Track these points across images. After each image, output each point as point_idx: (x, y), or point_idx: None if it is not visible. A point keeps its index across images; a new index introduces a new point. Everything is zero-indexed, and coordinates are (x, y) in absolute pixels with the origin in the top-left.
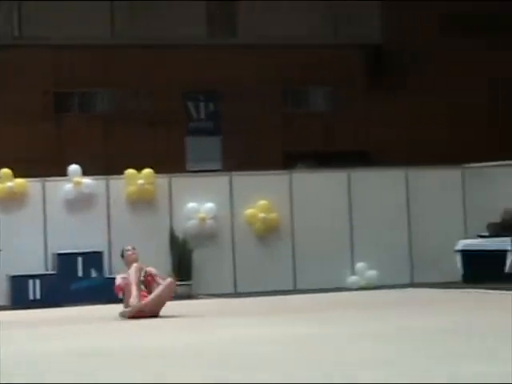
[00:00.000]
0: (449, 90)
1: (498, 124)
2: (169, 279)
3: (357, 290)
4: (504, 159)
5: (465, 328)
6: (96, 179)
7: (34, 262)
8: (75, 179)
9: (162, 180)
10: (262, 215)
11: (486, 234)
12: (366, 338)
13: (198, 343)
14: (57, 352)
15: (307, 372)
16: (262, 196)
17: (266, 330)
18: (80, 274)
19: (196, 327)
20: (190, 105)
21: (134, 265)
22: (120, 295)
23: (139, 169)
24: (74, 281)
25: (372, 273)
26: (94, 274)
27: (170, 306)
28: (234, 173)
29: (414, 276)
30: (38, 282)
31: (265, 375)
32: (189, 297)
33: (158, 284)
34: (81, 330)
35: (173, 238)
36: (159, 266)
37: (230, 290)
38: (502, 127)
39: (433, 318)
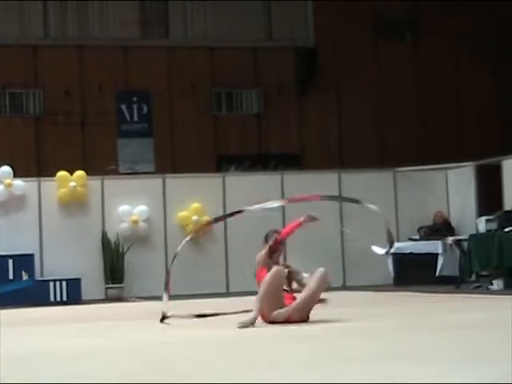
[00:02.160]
0: (381, 94)
1: (428, 128)
2: (320, 270)
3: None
4: (434, 163)
5: (385, 329)
6: (27, 181)
7: None
8: (6, 181)
9: (94, 182)
10: (194, 218)
11: (417, 237)
12: (291, 338)
13: (120, 345)
14: None
15: (224, 373)
16: (194, 198)
17: (190, 332)
18: (11, 276)
19: (121, 330)
20: (123, 106)
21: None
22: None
23: (71, 171)
24: (4, 283)
25: (304, 276)
26: (25, 276)
27: (100, 309)
28: (166, 175)
29: (346, 279)
30: None
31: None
32: (120, 299)
33: (301, 280)
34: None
35: (105, 241)
36: (91, 268)
37: (162, 292)
38: (431, 131)
39: (363, 319)
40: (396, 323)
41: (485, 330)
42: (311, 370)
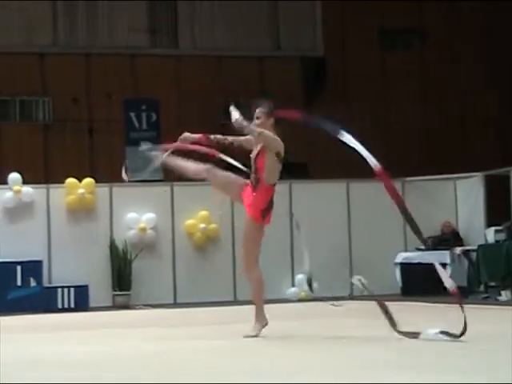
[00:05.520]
0: (388, 104)
1: (435, 138)
2: None
3: (296, 301)
4: (442, 173)
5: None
6: (36, 188)
7: None
8: (15, 187)
9: (103, 189)
10: (202, 226)
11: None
12: (296, 346)
13: (117, 353)
14: None
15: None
16: (202, 207)
17: (198, 340)
18: (19, 282)
19: (128, 337)
20: (132, 114)
21: None
22: None
23: (79, 178)
24: (13, 290)
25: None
26: (32, 283)
27: (107, 316)
28: (174, 183)
29: (353, 288)
30: None
31: None
32: (127, 307)
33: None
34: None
35: (113, 248)
36: (99, 275)
37: (170, 300)
38: (438, 140)
39: (370, 329)
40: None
41: (493, 341)
42: (318, 379)
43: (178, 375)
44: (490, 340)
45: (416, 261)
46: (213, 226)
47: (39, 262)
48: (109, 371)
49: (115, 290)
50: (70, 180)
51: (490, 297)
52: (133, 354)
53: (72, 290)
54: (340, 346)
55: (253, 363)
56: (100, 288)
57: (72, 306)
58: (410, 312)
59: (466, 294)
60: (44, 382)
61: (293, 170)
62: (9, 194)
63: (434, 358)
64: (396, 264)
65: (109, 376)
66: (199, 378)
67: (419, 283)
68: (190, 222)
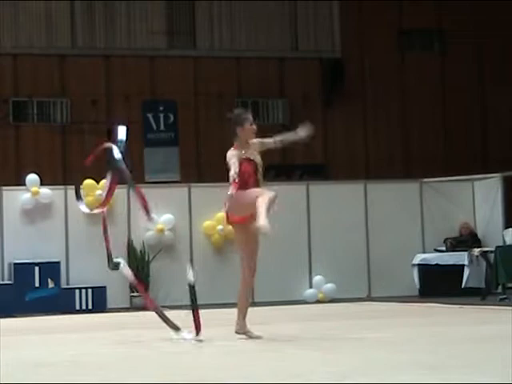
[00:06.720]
0: (406, 105)
1: (453, 139)
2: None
3: (314, 303)
4: (460, 174)
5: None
6: (54, 189)
7: None
8: (33, 189)
9: (121, 191)
10: (219, 227)
11: (443, 248)
12: (317, 350)
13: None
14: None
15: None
16: (220, 208)
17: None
18: (37, 283)
19: (146, 338)
20: (150, 115)
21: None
22: None
23: (97, 179)
24: (30, 291)
25: (330, 286)
26: (50, 284)
27: (124, 317)
28: (192, 184)
29: (371, 289)
30: None
31: None
32: (145, 308)
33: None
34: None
35: (131, 249)
36: (117, 277)
37: (188, 301)
38: (456, 142)
39: (389, 330)
40: (421, 334)
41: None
42: (337, 381)
43: (195, 376)
44: (508, 340)
45: (434, 262)
46: (231, 227)
47: (57, 263)
48: (130, 373)
49: (133, 292)
50: (88, 181)
51: (507, 298)
52: (148, 354)
53: (90, 291)
54: (364, 347)
55: (276, 363)
56: (118, 289)
57: (90, 307)
58: (429, 313)
59: (484, 296)
60: (55, 382)
61: (310, 171)
62: (27, 196)
63: (451, 359)
64: (414, 265)
65: (131, 378)
66: (211, 378)
67: (437, 284)
68: (207, 223)
